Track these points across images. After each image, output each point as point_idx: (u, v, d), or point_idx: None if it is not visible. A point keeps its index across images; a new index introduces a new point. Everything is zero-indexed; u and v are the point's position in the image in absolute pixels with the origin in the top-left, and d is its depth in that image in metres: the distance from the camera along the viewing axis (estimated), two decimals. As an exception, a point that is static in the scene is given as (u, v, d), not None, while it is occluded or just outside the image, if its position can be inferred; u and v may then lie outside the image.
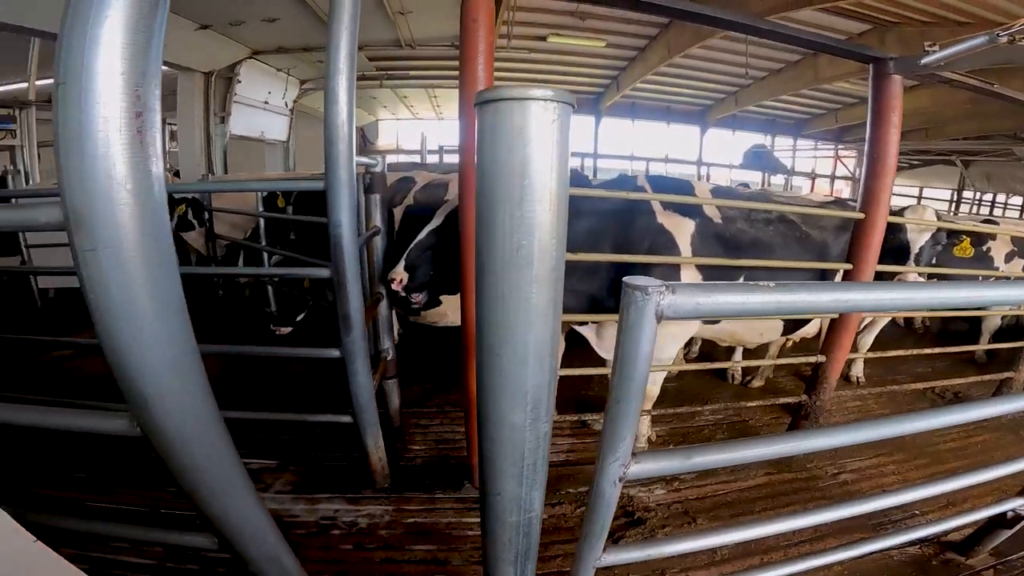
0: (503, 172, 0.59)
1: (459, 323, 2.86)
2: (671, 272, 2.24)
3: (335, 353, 1.88)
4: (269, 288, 3.70)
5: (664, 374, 2.46)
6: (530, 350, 0.66)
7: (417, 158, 7.77)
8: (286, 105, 8.48)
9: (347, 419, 2.02)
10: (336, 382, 3.06)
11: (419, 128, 12.13)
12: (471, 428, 2.09)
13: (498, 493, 0.83)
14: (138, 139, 0.54)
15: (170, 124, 7.65)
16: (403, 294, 2.14)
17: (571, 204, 2.04)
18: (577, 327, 2.41)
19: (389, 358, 2.42)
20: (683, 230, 2.33)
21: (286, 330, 3.60)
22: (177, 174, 5.09)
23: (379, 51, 7.66)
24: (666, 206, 2.35)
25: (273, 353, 1.95)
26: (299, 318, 3.72)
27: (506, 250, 0.61)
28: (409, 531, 1.97)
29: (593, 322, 2.34)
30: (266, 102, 7.91)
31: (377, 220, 2.22)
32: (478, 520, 2.01)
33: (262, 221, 3.71)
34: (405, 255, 2.16)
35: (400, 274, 2.13)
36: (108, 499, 2.06)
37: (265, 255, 3.52)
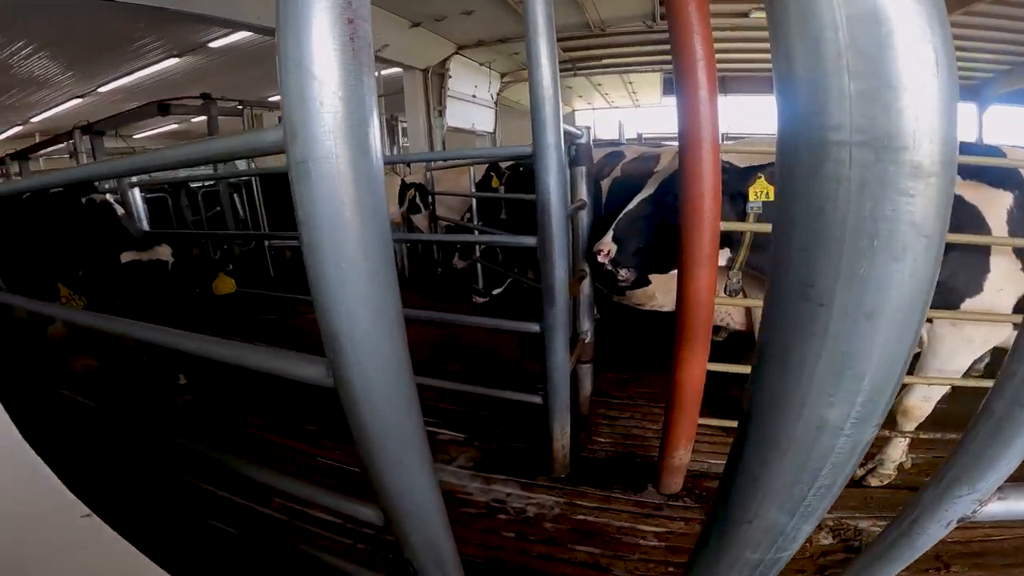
0: (832, 33, 0.36)
1: (667, 307, 2.62)
2: (975, 257, 1.67)
3: (535, 327, 1.83)
4: (478, 265, 3.98)
5: (943, 391, 1.87)
6: (891, 296, 0.38)
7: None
8: (491, 97, 9.07)
9: (537, 400, 1.96)
10: (524, 368, 3.14)
11: (615, 117, 11.87)
12: (671, 426, 1.85)
13: (747, 520, 0.60)
14: (350, 46, 0.50)
15: (402, 121, 8.84)
16: (609, 267, 1.97)
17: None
18: None
19: (587, 340, 2.30)
20: (995, 204, 1.72)
21: (482, 300, 3.90)
22: (408, 164, 5.88)
23: (571, 40, 7.61)
24: (967, 175, 1.77)
25: (477, 324, 1.98)
26: (496, 292, 3.95)
27: (847, 127, 0.37)
28: (576, 529, 1.85)
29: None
30: (473, 95, 8.55)
31: (583, 193, 2.10)
32: (654, 529, 1.81)
33: (474, 202, 4.00)
34: (613, 225, 1.99)
35: (607, 245, 1.96)
36: (319, 452, 2.32)
37: (477, 233, 3.82)
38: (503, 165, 4.06)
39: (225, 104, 6.50)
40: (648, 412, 2.61)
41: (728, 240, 1.83)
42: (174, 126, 12.83)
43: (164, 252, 1.88)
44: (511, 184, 3.73)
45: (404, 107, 7.99)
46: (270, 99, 8.41)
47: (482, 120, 8.97)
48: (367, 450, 0.63)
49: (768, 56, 0.41)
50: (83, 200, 2.18)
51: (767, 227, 1.70)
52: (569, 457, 2.08)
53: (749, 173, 1.76)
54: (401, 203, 5.03)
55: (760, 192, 1.73)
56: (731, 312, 2.28)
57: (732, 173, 1.71)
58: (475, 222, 4.05)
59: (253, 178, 5.60)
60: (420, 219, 5.18)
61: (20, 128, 11.11)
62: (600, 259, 1.97)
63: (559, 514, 1.92)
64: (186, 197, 5.97)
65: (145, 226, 2.86)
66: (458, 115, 8.03)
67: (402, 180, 5.07)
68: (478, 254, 3.96)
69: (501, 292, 4.01)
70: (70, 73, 8.20)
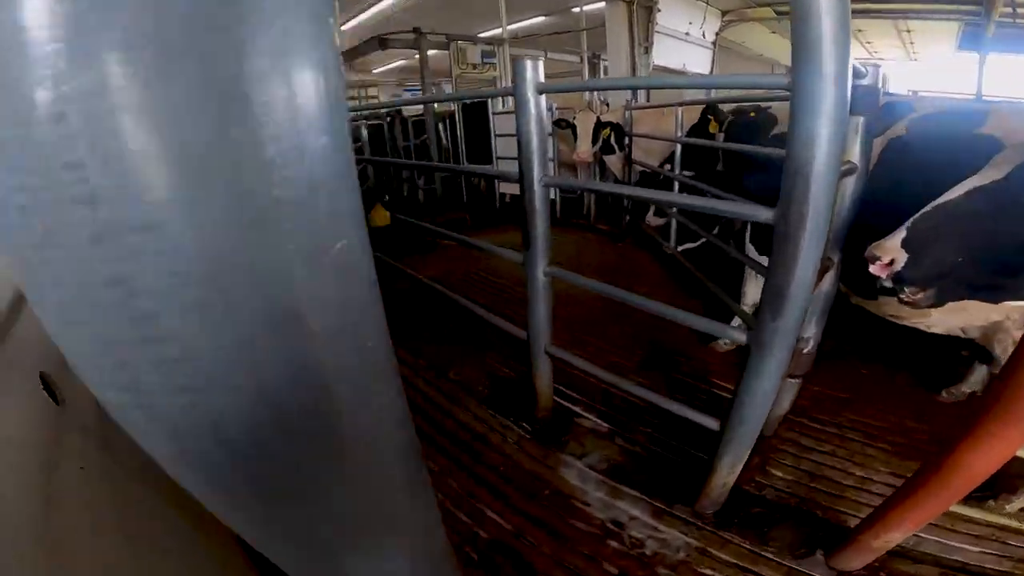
0: None
1: (936, 327, 1.81)
2: None
3: (742, 338, 1.33)
4: (673, 221, 3.59)
5: None
6: None
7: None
8: (704, 36, 7.90)
9: (712, 424, 1.50)
10: (701, 354, 2.62)
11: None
12: (908, 502, 1.23)
13: None
14: None
15: (603, 60, 8.23)
16: (888, 283, 1.29)
17: None
18: None
19: (806, 351, 1.71)
20: None
21: (670, 251, 3.56)
22: (607, 103, 5.44)
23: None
24: None
25: (663, 313, 1.52)
26: (683, 247, 3.53)
27: None
28: (696, 587, 1.44)
29: None
30: (687, 33, 7.55)
31: (855, 154, 1.47)
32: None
33: (678, 148, 3.49)
34: (908, 224, 1.27)
35: (894, 252, 1.26)
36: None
37: (677, 185, 3.38)
38: (724, 108, 3.39)
39: (435, 38, 6.75)
40: (857, 451, 1.96)
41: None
42: (401, 62, 14.04)
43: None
44: (731, 133, 3.07)
45: (605, 44, 7.39)
46: (478, 34, 8.57)
47: (695, 61, 7.85)
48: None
49: None
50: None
51: None
52: (727, 494, 1.63)
53: None
54: (595, 142, 4.68)
55: None
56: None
57: None
58: (676, 172, 3.50)
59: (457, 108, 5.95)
60: (614, 160, 4.81)
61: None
62: (875, 270, 1.29)
63: (682, 560, 1.52)
64: (400, 125, 6.54)
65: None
66: (667, 53, 7.10)
67: (598, 118, 4.67)
68: (674, 208, 3.47)
69: (694, 248, 3.49)
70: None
